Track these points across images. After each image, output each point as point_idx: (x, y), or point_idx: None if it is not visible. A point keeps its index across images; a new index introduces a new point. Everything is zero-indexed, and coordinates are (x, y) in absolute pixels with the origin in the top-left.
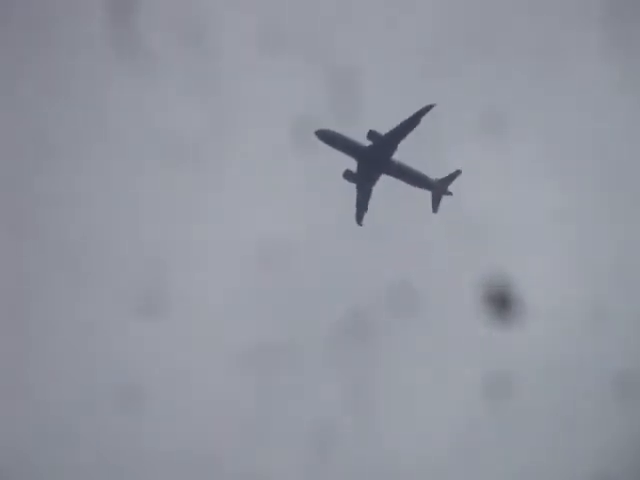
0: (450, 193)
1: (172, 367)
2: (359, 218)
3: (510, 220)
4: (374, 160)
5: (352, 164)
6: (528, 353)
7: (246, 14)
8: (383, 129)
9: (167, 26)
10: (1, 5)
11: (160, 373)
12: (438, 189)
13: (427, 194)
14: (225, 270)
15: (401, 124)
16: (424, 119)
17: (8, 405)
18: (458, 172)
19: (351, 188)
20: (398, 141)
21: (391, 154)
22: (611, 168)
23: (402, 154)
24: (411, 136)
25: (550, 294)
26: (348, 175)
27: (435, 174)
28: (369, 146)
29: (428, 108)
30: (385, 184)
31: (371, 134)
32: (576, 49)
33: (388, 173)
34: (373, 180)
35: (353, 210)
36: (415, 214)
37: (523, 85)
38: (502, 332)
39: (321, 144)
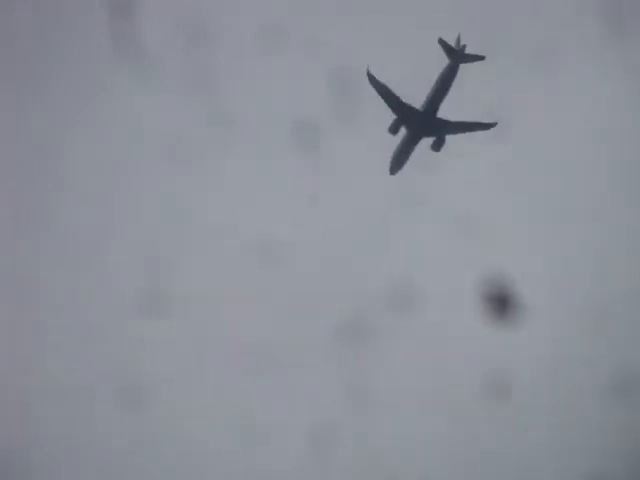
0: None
1: (172, 367)
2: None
3: (510, 219)
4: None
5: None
6: (528, 353)
7: (246, 14)
8: (383, 130)
9: (166, 25)
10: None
11: (159, 373)
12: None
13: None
14: (225, 270)
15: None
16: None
17: (8, 405)
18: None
19: (351, 186)
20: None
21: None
22: (612, 167)
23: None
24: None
25: (550, 294)
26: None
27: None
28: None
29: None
30: (385, 185)
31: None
32: (577, 47)
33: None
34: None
35: (350, 210)
36: (415, 213)
37: (523, 84)
38: (502, 332)
39: (322, 140)
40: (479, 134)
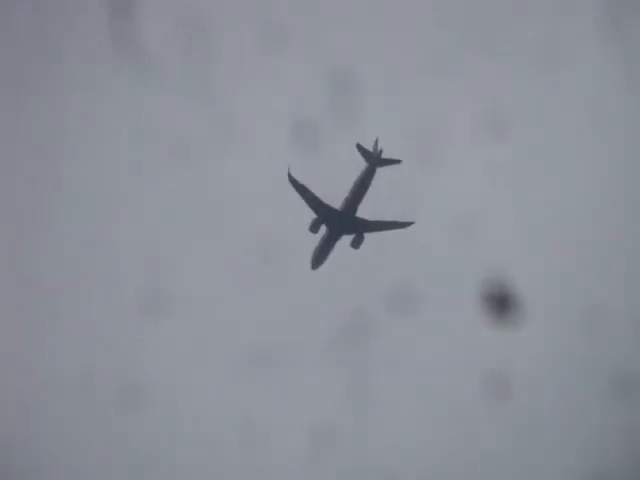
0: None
1: (172, 367)
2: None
3: (510, 219)
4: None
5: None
6: (528, 353)
7: (246, 14)
8: (382, 134)
9: (166, 25)
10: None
11: (160, 373)
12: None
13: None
14: (225, 270)
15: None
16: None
17: (9, 405)
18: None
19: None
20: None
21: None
22: (612, 167)
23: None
24: (408, 134)
25: (550, 294)
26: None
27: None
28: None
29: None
30: (381, 181)
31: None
32: (577, 47)
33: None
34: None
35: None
36: (415, 214)
37: (523, 84)
38: (502, 332)
39: (322, 140)
40: (484, 126)
